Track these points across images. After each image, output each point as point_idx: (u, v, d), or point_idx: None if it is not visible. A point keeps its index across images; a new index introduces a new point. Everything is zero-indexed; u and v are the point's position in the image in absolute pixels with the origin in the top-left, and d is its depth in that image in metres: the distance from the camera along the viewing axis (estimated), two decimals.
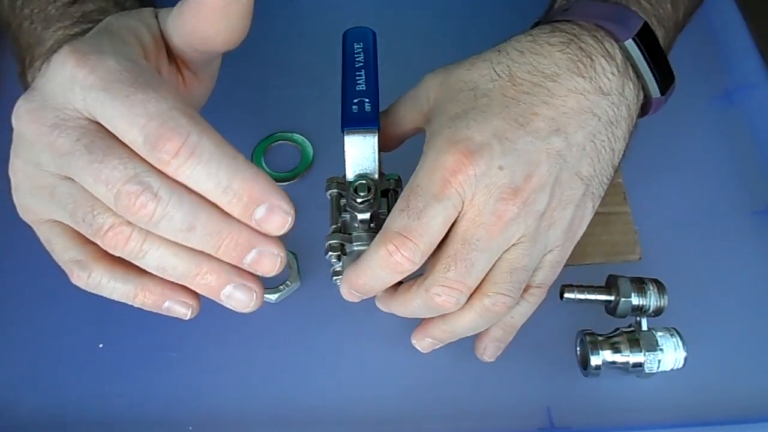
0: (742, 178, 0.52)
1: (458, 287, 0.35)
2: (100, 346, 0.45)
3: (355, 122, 0.39)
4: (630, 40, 0.39)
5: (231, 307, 0.32)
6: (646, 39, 0.39)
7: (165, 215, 0.29)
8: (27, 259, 0.48)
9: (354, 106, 0.39)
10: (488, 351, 0.42)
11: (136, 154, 0.29)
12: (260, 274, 0.32)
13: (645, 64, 0.39)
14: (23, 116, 0.31)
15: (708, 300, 0.47)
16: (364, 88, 0.40)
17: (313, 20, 0.60)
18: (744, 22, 0.58)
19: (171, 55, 0.36)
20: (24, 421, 0.43)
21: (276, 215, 0.30)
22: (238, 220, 0.30)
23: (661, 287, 0.43)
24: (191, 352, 0.45)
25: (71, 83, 0.30)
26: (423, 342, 0.41)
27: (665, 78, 0.41)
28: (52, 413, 0.43)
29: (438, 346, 0.41)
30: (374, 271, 0.36)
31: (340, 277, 0.40)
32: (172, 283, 0.32)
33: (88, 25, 0.39)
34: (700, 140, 0.53)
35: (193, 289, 0.32)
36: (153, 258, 0.30)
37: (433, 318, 0.40)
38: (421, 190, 0.35)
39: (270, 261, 0.31)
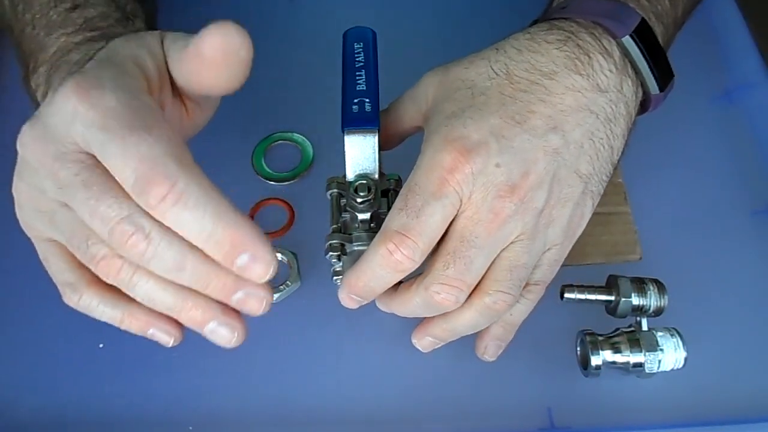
0: (742, 178, 0.52)
1: (457, 285, 0.36)
2: (100, 346, 0.45)
3: (355, 122, 0.39)
4: (627, 36, 0.39)
5: (214, 342, 0.33)
6: (644, 36, 0.39)
7: (155, 255, 0.30)
8: (27, 260, 0.48)
9: (354, 106, 0.39)
10: (489, 350, 0.42)
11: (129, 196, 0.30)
12: (247, 313, 0.32)
13: (643, 61, 0.39)
14: (28, 144, 0.32)
15: (708, 300, 0.47)
16: (364, 88, 0.40)
17: (313, 20, 0.60)
18: (744, 22, 0.58)
19: (175, 86, 0.35)
20: (24, 421, 0.43)
21: (257, 264, 0.30)
22: (221, 267, 0.30)
23: (661, 287, 0.43)
24: (191, 353, 0.45)
25: (73, 118, 0.30)
26: (423, 341, 0.41)
27: (664, 75, 0.40)
28: (52, 413, 0.43)
29: (439, 345, 0.41)
30: (374, 271, 0.36)
31: (341, 277, 0.40)
32: (158, 312, 0.33)
33: (91, 33, 0.39)
34: (700, 140, 0.53)
35: (179, 321, 0.33)
36: (142, 290, 0.32)
37: (433, 317, 0.40)
38: (419, 189, 0.35)
39: (256, 302, 0.32)
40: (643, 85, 0.40)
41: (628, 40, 0.39)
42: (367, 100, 0.39)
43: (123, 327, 0.34)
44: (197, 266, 0.30)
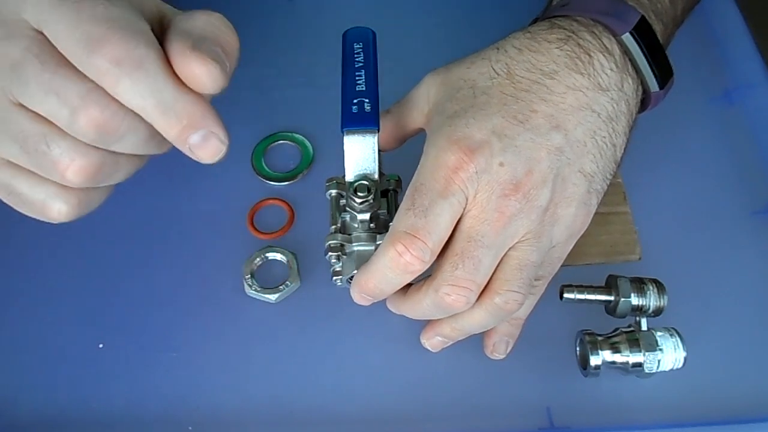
0: (741, 178, 0.52)
1: (467, 285, 0.36)
2: (100, 346, 0.45)
3: (355, 122, 0.39)
4: (627, 34, 0.39)
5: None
6: (643, 33, 0.39)
7: (122, 129, 0.28)
8: (27, 259, 0.48)
9: (354, 106, 0.39)
10: (499, 347, 0.42)
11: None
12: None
13: (643, 59, 0.39)
14: None
15: (708, 300, 0.47)
16: (364, 88, 0.40)
17: (313, 20, 0.60)
18: (744, 22, 0.58)
19: None
20: (24, 421, 0.43)
21: (211, 142, 0.29)
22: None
23: (660, 287, 0.43)
24: (191, 352, 0.45)
25: None
26: (433, 340, 0.41)
27: (664, 72, 0.41)
28: (52, 413, 0.43)
29: (448, 345, 0.41)
30: (384, 273, 0.36)
31: (340, 277, 0.40)
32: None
33: None
34: (699, 140, 0.53)
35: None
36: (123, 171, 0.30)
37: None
38: (425, 188, 0.36)
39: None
40: (643, 82, 0.40)
41: (628, 38, 0.39)
42: (367, 100, 0.39)
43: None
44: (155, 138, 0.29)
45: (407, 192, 0.36)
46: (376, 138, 0.39)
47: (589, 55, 0.38)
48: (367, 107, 0.39)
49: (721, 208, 0.50)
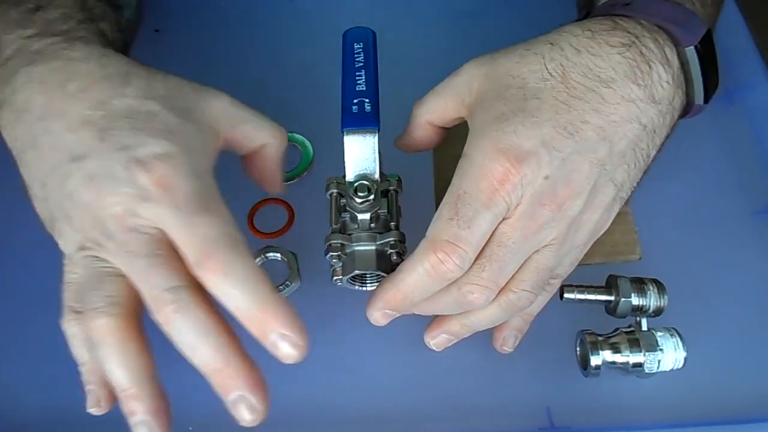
0: (742, 178, 0.52)
1: (490, 285, 0.36)
2: None
3: (355, 122, 0.39)
4: (692, 47, 0.37)
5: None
6: (704, 45, 0.38)
7: (181, 326, 0.33)
8: (27, 259, 0.48)
9: (354, 106, 0.39)
10: (508, 341, 0.42)
11: (185, 266, 0.33)
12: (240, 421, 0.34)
13: (699, 73, 0.38)
14: (110, 210, 0.34)
15: (708, 300, 0.47)
16: (364, 88, 0.40)
17: (313, 20, 0.60)
18: (744, 22, 0.58)
19: None
20: (24, 420, 0.43)
21: (284, 344, 0.33)
22: (235, 358, 0.33)
23: (661, 287, 0.43)
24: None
25: (152, 198, 0.33)
26: (439, 338, 0.41)
27: (712, 86, 0.39)
28: (52, 413, 0.43)
29: (452, 343, 0.41)
30: (420, 280, 0.36)
31: (340, 277, 0.40)
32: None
33: (51, 39, 0.38)
34: (700, 140, 0.53)
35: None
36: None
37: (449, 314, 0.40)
38: (469, 198, 0.35)
39: (247, 411, 0.34)
40: (689, 94, 0.39)
41: (690, 50, 0.37)
42: (367, 100, 0.39)
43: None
44: (208, 353, 0.33)
45: (447, 198, 0.36)
46: (376, 138, 0.39)
47: (650, 66, 0.37)
48: (368, 107, 0.39)
49: (722, 208, 0.50)
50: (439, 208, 0.36)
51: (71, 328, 0.36)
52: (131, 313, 0.34)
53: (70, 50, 0.37)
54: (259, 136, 0.41)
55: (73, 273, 0.37)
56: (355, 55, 0.41)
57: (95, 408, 0.36)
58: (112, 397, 0.36)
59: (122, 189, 0.34)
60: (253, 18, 0.60)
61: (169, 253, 0.34)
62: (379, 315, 0.39)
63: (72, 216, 0.35)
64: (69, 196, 0.35)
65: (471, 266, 0.36)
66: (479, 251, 0.36)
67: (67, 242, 0.36)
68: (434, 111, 0.41)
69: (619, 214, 0.49)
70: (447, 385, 0.44)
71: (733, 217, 0.50)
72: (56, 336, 0.46)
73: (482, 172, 0.35)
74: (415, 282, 0.36)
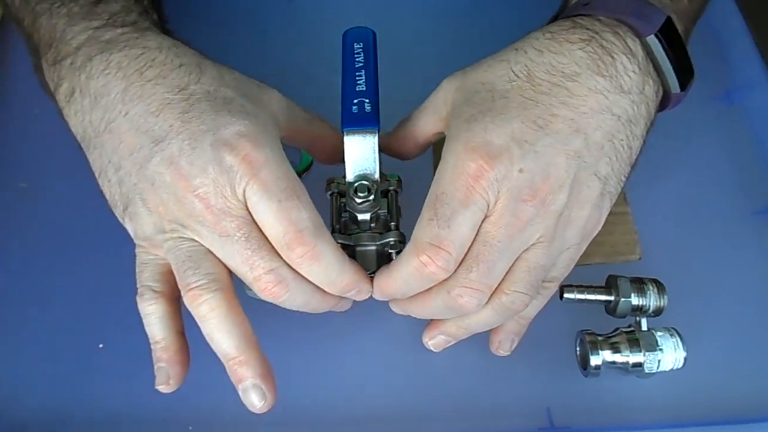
0: (742, 178, 0.52)
1: (480, 288, 0.36)
2: (100, 346, 0.45)
3: (355, 122, 0.39)
4: (653, 35, 0.38)
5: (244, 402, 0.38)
6: (668, 35, 0.39)
7: (288, 299, 0.36)
8: (27, 259, 0.48)
9: (354, 107, 0.39)
10: (504, 345, 0.42)
11: (274, 248, 0.36)
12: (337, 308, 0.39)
13: (666, 61, 0.39)
14: (200, 190, 0.35)
15: (708, 300, 0.47)
16: (364, 89, 0.40)
17: (312, 20, 0.60)
18: (744, 22, 0.58)
19: None
20: (24, 420, 0.43)
21: (360, 295, 0.38)
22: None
23: (660, 287, 0.43)
24: (191, 352, 0.45)
25: (241, 180, 0.35)
26: (436, 339, 0.41)
27: (685, 73, 0.40)
28: (52, 413, 0.43)
29: (451, 344, 0.41)
30: (406, 281, 0.37)
31: None
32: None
33: (121, 29, 0.39)
34: (700, 140, 0.53)
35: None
36: (209, 325, 0.36)
37: None
38: (446, 198, 0.35)
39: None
40: (663, 84, 0.40)
41: (652, 39, 0.38)
42: (367, 100, 0.39)
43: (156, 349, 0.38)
44: (318, 303, 0.38)
45: (427, 201, 0.36)
46: (376, 138, 0.39)
47: (612, 57, 0.38)
48: (368, 107, 0.39)
49: (722, 208, 0.50)
50: (421, 212, 0.36)
51: (149, 307, 0.38)
52: (229, 286, 0.36)
53: (143, 39, 0.39)
54: (313, 134, 0.43)
55: (151, 255, 0.38)
56: (355, 55, 0.41)
57: (164, 386, 0.38)
58: (181, 376, 0.38)
59: (209, 168, 0.34)
60: (252, 18, 0.60)
61: (260, 235, 0.35)
62: (378, 294, 0.40)
63: (148, 199, 0.36)
64: (149, 178, 0.36)
65: (458, 268, 0.36)
66: (464, 251, 0.36)
67: (143, 225, 0.37)
68: (415, 127, 0.42)
69: (619, 214, 0.49)
70: (447, 385, 0.44)
71: (733, 217, 0.50)
72: (56, 336, 0.46)
73: (457, 172, 0.35)
74: (403, 281, 0.37)
